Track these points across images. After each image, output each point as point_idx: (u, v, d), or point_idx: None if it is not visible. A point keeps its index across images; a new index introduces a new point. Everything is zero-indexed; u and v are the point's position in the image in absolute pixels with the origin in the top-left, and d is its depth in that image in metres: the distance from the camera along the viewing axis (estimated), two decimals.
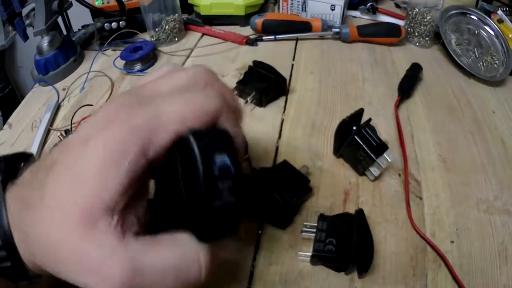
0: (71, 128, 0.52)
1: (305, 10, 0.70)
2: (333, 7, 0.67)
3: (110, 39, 0.68)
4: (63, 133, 0.51)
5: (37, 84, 0.64)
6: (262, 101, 0.51)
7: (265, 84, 0.50)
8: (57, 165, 0.20)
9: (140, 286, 0.20)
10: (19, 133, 0.54)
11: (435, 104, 0.56)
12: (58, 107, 0.58)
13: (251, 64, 0.54)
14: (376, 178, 0.43)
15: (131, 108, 0.20)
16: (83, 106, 0.56)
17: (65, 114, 0.56)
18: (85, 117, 0.53)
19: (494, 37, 0.64)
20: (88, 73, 0.63)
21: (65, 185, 0.20)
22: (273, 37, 0.65)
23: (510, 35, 0.63)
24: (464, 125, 0.53)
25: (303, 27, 0.66)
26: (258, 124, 0.50)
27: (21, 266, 0.21)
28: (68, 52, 0.66)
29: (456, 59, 0.61)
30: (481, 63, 0.62)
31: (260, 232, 0.38)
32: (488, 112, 0.56)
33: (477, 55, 0.63)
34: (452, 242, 0.39)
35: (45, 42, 0.63)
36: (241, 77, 0.54)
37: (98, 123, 0.20)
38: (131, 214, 0.21)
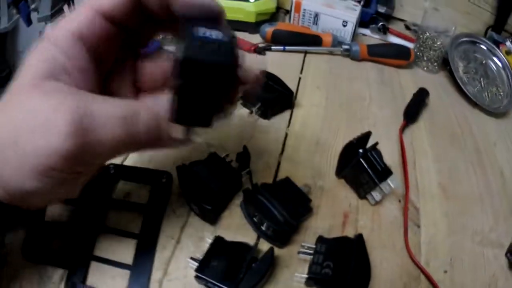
0: None
1: (316, 24, 0.69)
2: (345, 23, 0.67)
3: None
4: None
5: None
6: (267, 113, 0.50)
7: (271, 96, 0.50)
8: None
9: (89, 129, 0.21)
10: None
11: (438, 131, 0.56)
12: None
13: None
14: (377, 203, 0.43)
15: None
16: None
17: None
18: None
19: (501, 69, 0.65)
20: None
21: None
22: (282, 47, 0.65)
23: None
24: (466, 155, 0.53)
25: (313, 40, 0.66)
26: (262, 136, 0.49)
27: None
28: None
29: (462, 87, 0.61)
30: (486, 93, 0.62)
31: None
32: (489, 143, 0.56)
33: (482, 85, 0.63)
34: (446, 272, 0.39)
35: (49, 29, 0.62)
36: None
37: None
38: (88, 75, 0.24)
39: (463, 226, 0.44)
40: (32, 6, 0.63)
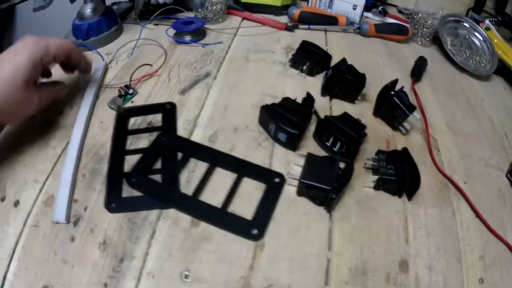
0: (130, 83, 0.57)
1: (331, 7, 0.82)
2: (354, 7, 0.80)
3: (157, 12, 0.72)
4: (123, 87, 0.57)
5: None
6: (313, 71, 0.61)
7: (316, 58, 0.61)
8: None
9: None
10: None
11: (438, 88, 0.69)
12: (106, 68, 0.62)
13: (301, 43, 0.65)
14: (407, 132, 0.55)
15: (34, 41, 0.45)
16: (143, 65, 0.61)
17: (116, 74, 0.62)
18: (145, 75, 0.59)
19: (482, 42, 0.80)
20: (138, 40, 0.68)
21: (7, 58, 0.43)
22: (307, 26, 0.77)
23: (495, 41, 0.79)
24: (461, 106, 0.66)
25: (332, 20, 0.78)
26: (312, 89, 0.60)
27: None
28: (111, 20, 0.69)
29: (452, 56, 0.76)
30: (471, 61, 0.77)
31: None
32: (478, 98, 0.70)
33: (468, 55, 0.78)
34: (465, 183, 0.51)
35: (88, 8, 0.66)
36: (289, 53, 0.64)
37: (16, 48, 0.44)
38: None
39: (470, 154, 0.56)
40: None
